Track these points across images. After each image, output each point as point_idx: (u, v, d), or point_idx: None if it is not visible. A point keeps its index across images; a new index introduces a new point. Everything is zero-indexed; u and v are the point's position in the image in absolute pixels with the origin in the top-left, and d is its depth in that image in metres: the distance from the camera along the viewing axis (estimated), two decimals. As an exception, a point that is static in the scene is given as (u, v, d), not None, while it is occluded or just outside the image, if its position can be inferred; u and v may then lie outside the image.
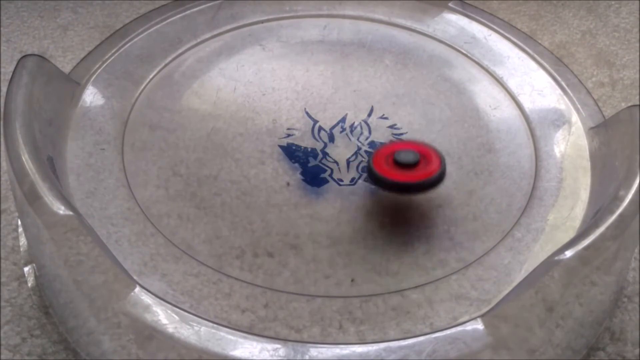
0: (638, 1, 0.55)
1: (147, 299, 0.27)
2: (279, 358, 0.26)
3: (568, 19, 0.53)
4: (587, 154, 0.36)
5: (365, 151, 0.36)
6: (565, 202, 0.34)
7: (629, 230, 0.29)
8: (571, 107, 0.39)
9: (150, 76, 0.40)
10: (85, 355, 0.30)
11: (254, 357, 0.26)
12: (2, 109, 0.32)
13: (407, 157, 0.32)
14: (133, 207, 0.33)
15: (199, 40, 0.42)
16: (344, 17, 0.45)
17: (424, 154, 0.33)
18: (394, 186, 0.32)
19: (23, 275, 0.34)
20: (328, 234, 0.32)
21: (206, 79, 0.40)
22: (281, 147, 0.36)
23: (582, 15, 0.54)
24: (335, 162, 0.36)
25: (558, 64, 0.42)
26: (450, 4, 0.46)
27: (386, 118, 0.38)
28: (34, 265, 0.34)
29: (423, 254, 0.31)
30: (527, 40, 0.44)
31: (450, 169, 0.36)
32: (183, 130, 0.37)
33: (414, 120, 0.38)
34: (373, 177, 0.32)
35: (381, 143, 0.37)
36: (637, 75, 0.48)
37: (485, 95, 0.40)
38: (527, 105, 0.39)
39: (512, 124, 0.38)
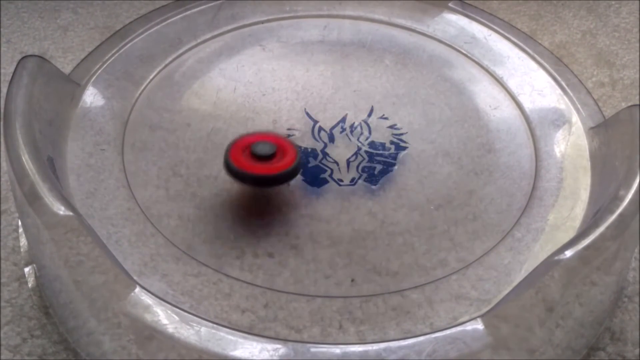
0: (638, 1, 0.55)
1: (147, 299, 0.27)
2: (279, 358, 0.26)
3: (568, 19, 0.53)
4: (587, 153, 0.36)
5: (366, 151, 0.36)
6: (566, 202, 0.34)
7: (629, 230, 0.29)
8: (571, 107, 0.39)
9: (151, 77, 0.40)
10: (85, 356, 0.30)
11: (254, 357, 0.26)
12: (2, 110, 0.32)
13: (263, 149, 0.32)
14: (133, 207, 0.33)
15: (199, 40, 0.42)
16: (344, 17, 0.45)
17: (280, 146, 0.33)
18: (251, 179, 0.32)
19: (23, 275, 0.34)
20: (328, 234, 0.32)
21: (206, 80, 0.40)
22: (281, 147, 0.36)
23: (582, 15, 0.54)
24: (336, 162, 0.36)
25: (558, 64, 0.42)
26: (450, 4, 0.46)
27: (386, 118, 0.38)
28: (34, 265, 0.34)
29: (423, 254, 0.31)
30: (527, 40, 0.44)
31: (450, 169, 0.36)
32: (183, 130, 0.37)
33: (414, 121, 0.38)
34: (231, 170, 0.32)
35: (381, 143, 0.37)
36: (637, 75, 0.48)
37: (485, 95, 0.40)
38: (527, 105, 0.39)
39: (512, 124, 0.38)
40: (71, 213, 0.28)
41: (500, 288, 0.30)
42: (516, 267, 0.31)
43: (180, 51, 0.42)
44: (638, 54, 0.50)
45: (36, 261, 0.33)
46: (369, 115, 0.38)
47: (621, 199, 0.29)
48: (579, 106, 0.39)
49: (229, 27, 0.44)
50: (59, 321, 0.32)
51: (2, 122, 0.31)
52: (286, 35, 0.44)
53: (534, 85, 0.41)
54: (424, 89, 0.40)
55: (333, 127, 0.38)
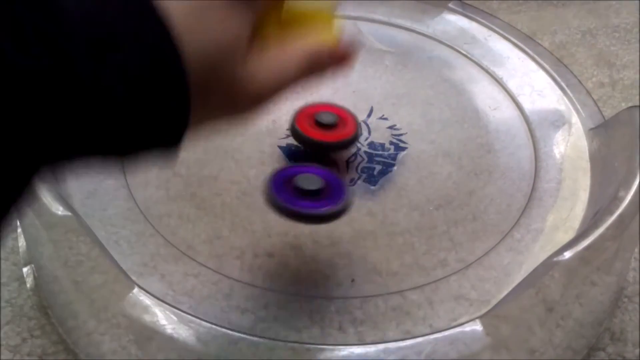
0: (638, 1, 0.55)
1: (146, 299, 0.27)
2: (280, 358, 0.26)
3: (568, 19, 0.53)
4: (586, 154, 0.36)
5: (365, 152, 0.36)
6: (565, 202, 0.34)
7: (629, 230, 0.29)
8: (571, 107, 0.39)
9: (150, 77, 0.40)
10: (84, 356, 0.30)
11: (254, 358, 0.26)
12: None
13: (327, 118, 0.34)
14: (133, 207, 0.33)
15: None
16: (343, 17, 0.45)
17: (342, 116, 0.35)
18: (316, 145, 0.34)
19: (23, 275, 0.34)
20: (328, 234, 0.32)
21: (206, 80, 0.40)
22: (280, 147, 0.36)
23: (582, 16, 0.54)
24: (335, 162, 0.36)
25: (558, 64, 0.42)
26: (450, 5, 0.46)
27: (386, 119, 0.38)
28: (33, 266, 0.34)
29: (423, 254, 0.31)
30: (526, 41, 0.44)
31: (450, 169, 0.36)
32: (183, 130, 0.37)
33: (413, 121, 0.38)
34: (297, 136, 0.34)
35: (381, 144, 0.37)
36: (637, 76, 0.48)
37: (485, 95, 0.40)
38: (527, 105, 0.39)
39: (511, 125, 0.38)
40: (69, 213, 0.28)
41: (500, 288, 0.30)
42: (516, 267, 0.31)
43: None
44: (638, 54, 0.50)
45: (34, 261, 0.33)
46: (369, 115, 0.38)
47: (621, 200, 0.29)
48: (578, 107, 0.39)
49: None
50: (58, 322, 0.32)
51: None
52: (286, 35, 0.43)
53: (534, 85, 0.41)
54: (424, 89, 0.40)
55: (333, 128, 0.38)
